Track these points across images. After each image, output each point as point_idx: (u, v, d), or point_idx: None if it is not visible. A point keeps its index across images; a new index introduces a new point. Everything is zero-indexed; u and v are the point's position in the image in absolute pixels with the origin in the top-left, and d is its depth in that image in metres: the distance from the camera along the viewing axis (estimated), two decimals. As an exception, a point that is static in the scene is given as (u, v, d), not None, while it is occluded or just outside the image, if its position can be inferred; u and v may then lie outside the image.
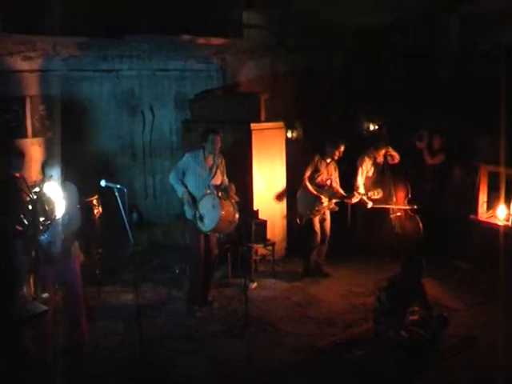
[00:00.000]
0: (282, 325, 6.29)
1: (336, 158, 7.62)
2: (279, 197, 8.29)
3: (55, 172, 5.23)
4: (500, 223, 7.37)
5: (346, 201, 7.85)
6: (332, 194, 7.68)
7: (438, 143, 8.50)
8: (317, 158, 7.61)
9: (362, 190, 7.98)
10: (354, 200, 7.82)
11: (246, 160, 7.90)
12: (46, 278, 5.30)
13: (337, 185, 7.77)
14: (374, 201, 7.94)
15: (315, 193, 7.54)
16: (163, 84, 9.07)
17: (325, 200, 7.55)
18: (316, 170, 7.61)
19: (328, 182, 7.69)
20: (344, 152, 7.61)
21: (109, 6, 7.48)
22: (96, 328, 6.06)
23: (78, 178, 5.83)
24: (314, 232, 7.58)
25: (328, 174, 7.68)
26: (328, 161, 7.65)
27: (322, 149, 7.65)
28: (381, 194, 7.89)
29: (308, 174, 7.59)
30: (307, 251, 7.70)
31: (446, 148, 8.47)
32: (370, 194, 7.87)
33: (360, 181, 8.08)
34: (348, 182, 8.00)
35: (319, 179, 7.64)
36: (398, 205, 8.17)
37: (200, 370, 5.39)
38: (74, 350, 5.43)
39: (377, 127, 9.59)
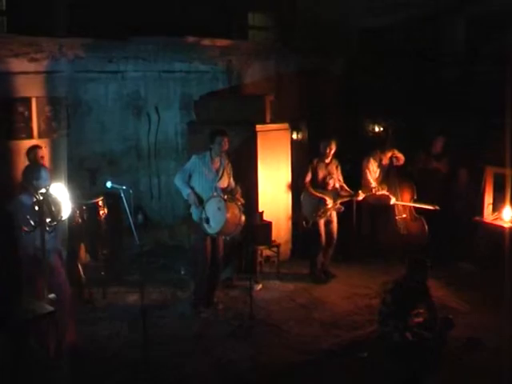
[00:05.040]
0: (286, 326, 6.30)
1: (332, 153, 7.57)
2: (284, 198, 8.29)
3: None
4: (505, 225, 7.37)
5: (352, 198, 7.82)
6: (336, 195, 7.66)
7: (441, 145, 8.46)
8: (315, 162, 7.59)
9: (374, 185, 7.91)
10: (360, 197, 7.79)
11: (251, 161, 7.89)
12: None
13: (340, 183, 7.74)
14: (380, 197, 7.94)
15: (319, 195, 7.52)
16: (168, 85, 9.08)
17: (329, 201, 7.54)
18: (316, 173, 7.59)
19: (331, 182, 7.66)
20: (337, 149, 7.55)
21: (114, 8, 7.51)
22: (99, 329, 6.09)
23: (83, 179, 5.88)
24: (319, 235, 7.56)
25: (329, 173, 7.65)
26: (327, 161, 7.63)
27: (317, 150, 7.64)
28: (385, 190, 7.89)
29: (308, 178, 7.57)
30: (313, 254, 7.70)
31: (451, 150, 8.45)
32: (374, 190, 7.85)
33: (371, 180, 8.04)
34: (352, 183, 7.98)
35: (321, 181, 7.62)
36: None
37: (204, 370, 5.40)
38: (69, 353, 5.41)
39: (382, 129, 9.58)
